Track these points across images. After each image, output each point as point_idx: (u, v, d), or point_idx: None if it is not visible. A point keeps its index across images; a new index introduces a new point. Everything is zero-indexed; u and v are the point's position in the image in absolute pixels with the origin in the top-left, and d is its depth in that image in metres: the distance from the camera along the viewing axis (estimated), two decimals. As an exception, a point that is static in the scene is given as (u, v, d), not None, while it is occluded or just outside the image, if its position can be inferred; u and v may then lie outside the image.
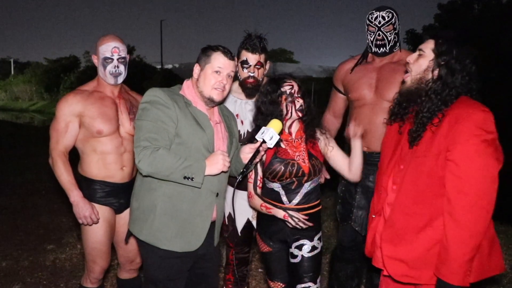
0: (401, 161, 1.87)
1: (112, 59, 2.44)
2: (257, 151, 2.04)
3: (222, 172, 2.00)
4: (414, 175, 1.79)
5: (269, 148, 2.09)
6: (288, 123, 2.24)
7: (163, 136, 1.95)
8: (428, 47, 1.81)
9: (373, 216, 2.00)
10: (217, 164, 1.95)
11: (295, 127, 2.26)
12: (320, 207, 2.28)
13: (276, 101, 2.18)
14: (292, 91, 2.19)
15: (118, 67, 2.46)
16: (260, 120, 2.22)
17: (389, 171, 1.92)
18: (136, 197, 2.11)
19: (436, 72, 1.77)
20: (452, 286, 1.68)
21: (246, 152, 2.10)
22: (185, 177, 1.91)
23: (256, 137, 2.08)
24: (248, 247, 2.71)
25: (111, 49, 2.43)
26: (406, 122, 1.89)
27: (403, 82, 1.91)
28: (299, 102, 2.18)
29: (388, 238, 1.85)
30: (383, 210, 1.94)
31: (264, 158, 2.21)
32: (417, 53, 1.86)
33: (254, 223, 2.56)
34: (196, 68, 2.10)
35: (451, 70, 1.74)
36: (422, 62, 1.82)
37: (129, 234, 2.17)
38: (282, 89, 2.19)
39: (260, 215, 2.33)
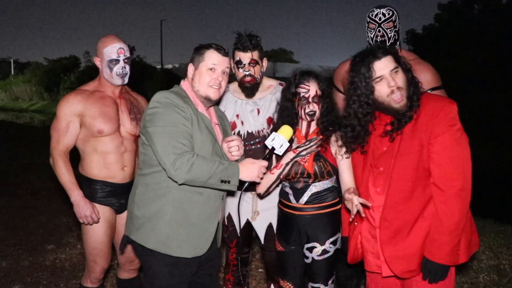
0: (378, 164, 1.95)
1: (119, 60, 2.45)
2: (266, 158, 2.02)
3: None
4: (400, 173, 1.87)
5: (277, 155, 2.07)
6: (300, 123, 2.24)
7: (190, 139, 1.88)
8: (392, 62, 1.88)
9: (356, 223, 2.05)
10: (251, 172, 1.92)
11: (311, 128, 2.24)
12: (337, 208, 2.20)
13: (291, 99, 2.18)
14: (307, 95, 2.14)
15: (125, 67, 2.47)
16: (277, 115, 2.25)
17: (365, 177, 2.00)
18: (138, 205, 1.99)
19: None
20: (447, 266, 1.83)
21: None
22: (222, 181, 1.87)
23: (266, 143, 2.05)
24: (248, 247, 2.71)
25: (116, 51, 2.44)
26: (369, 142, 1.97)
27: (391, 107, 1.86)
28: (310, 107, 2.15)
29: (386, 239, 1.91)
30: (369, 216, 2.01)
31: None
32: (394, 73, 1.86)
33: (254, 223, 2.57)
34: (190, 68, 2.05)
35: (409, 70, 1.90)
36: (403, 76, 1.88)
37: (125, 241, 2.06)
38: (297, 90, 2.16)
39: (279, 217, 2.33)
